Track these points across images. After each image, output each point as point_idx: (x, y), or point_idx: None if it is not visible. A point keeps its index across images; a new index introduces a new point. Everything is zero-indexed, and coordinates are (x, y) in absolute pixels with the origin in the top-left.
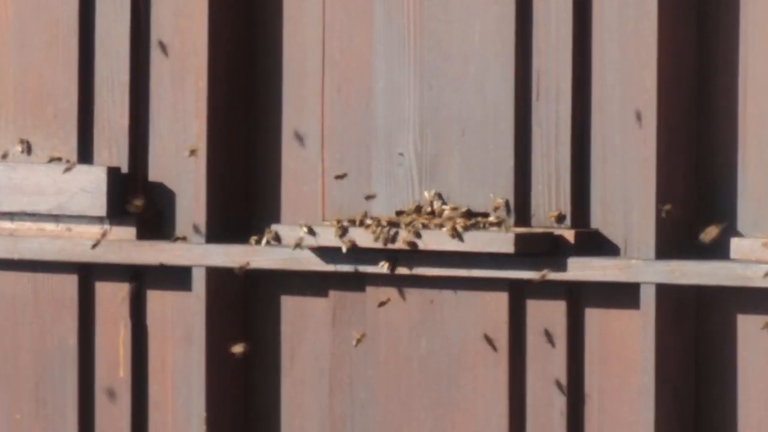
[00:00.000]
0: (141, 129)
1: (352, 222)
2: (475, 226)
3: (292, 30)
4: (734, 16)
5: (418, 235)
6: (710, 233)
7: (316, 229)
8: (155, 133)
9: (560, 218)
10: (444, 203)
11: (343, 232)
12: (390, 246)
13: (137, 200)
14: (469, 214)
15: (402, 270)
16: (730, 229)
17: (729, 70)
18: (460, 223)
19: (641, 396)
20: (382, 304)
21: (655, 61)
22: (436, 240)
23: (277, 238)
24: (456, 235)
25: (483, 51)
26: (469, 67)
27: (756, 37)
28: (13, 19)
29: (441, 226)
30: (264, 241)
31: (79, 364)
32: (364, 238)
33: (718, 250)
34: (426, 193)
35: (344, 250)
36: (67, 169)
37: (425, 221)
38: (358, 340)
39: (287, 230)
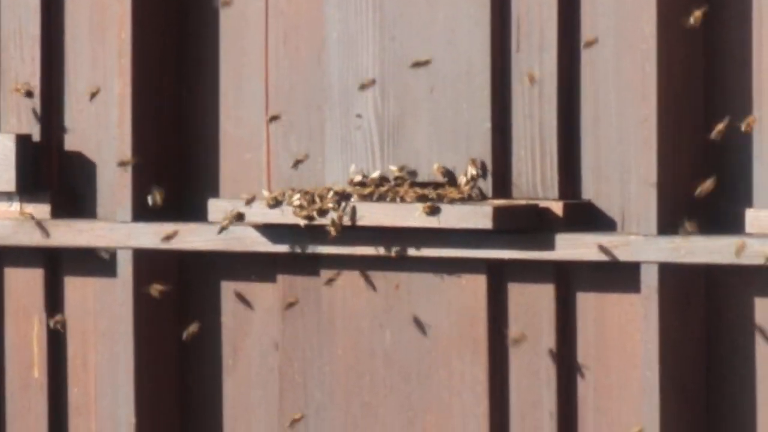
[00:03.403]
0: (55, 90)
1: (306, 194)
2: (451, 201)
3: None
4: None
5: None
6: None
7: (258, 203)
8: (71, 95)
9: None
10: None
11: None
12: (347, 222)
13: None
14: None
15: (361, 249)
16: (746, 199)
17: (743, 10)
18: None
19: (644, 394)
20: (330, 281)
21: (655, 1)
22: (401, 215)
23: (240, 218)
24: (434, 212)
25: None
26: (437, 13)
27: None
28: None
29: (400, 198)
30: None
31: None
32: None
33: (731, 224)
34: (392, 167)
35: (302, 225)
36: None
37: (390, 192)
38: (291, 304)
39: (227, 205)
